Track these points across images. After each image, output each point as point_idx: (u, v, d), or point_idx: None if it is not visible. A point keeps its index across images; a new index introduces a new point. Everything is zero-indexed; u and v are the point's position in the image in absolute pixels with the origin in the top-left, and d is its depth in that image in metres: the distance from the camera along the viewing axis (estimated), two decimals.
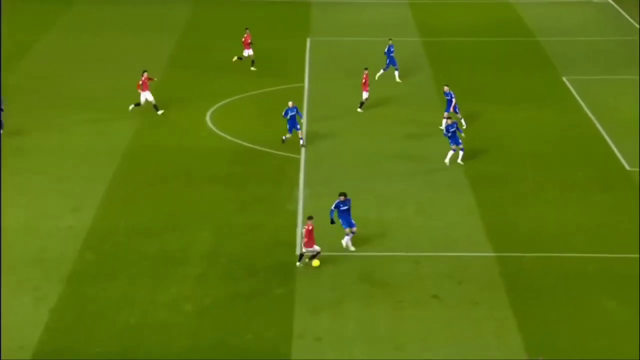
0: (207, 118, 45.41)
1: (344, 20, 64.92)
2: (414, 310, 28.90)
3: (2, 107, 41.87)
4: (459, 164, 39.14)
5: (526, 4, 68.72)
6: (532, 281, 30.62)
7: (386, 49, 49.63)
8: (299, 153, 40.99)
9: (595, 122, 44.80)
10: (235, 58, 52.03)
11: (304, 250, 31.16)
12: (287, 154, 40.92)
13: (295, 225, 34.29)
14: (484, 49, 57.18)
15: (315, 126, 44.45)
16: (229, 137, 42.87)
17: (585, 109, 46.43)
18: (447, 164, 38.97)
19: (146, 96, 44.90)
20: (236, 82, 49.39)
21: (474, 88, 49.27)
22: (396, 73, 49.49)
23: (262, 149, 41.57)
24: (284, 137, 40.35)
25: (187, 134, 43.45)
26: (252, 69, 51.81)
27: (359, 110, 45.73)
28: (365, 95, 45.65)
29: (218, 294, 29.77)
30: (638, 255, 32.14)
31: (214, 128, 44.21)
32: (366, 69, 46.53)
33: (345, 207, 32.24)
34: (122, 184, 37.96)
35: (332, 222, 32.10)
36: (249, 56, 51.95)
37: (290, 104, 40.11)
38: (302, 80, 51.33)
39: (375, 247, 32.75)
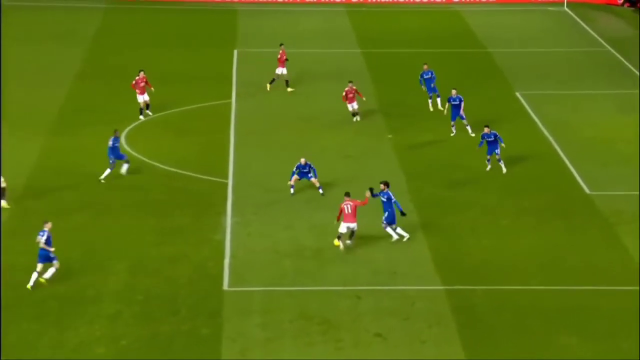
0: (123, 139, 45.19)
1: (275, 29, 65.22)
2: (355, 351, 29.01)
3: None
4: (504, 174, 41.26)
5: (475, 11, 69.77)
6: (484, 317, 30.93)
7: (420, 76, 48.82)
8: (226, 177, 41.03)
9: (552, 141, 45.56)
10: (268, 86, 51.39)
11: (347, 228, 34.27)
12: (213, 178, 40.92)
13: (222, 257, 34.26)
14: (430, 62, 57.79)
15: (244, 148, 44.51)
16: (147, 160, 42.69)
17: (541, 127, 47.21)
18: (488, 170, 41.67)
19: (144, 98, 46.92)
20: (155, 99, 49.25)
21: (419, 105, 49.80)
22: (438, 100, 48.42)
23: (185, 172, 41.49)
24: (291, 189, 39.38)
25: (99, 157, 43.11)
26: (289, 89, 51.46)
27: (356, 119, 47.11)
28: (351, 107, 46.78)
29: (135, 336, 29.55)
30: (601, 287, 32.68)
31: (130, 150, 44.01)
32: (350, 81, 47.20)
33: (385, 198, 35.09)
34: (25, 213, 37.52)
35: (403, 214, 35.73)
36: (282, 75, 51.45)
37: (302, 161, 39.22)
38: (229, 97, 51.41)
39: (312, 281, 32.84)
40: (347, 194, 34.92)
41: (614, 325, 30.30)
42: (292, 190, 39.08)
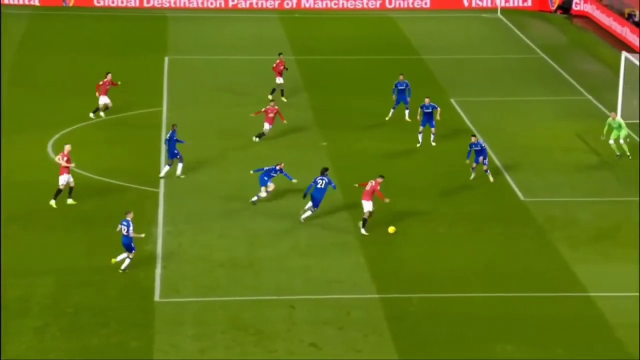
0: (49, 148, 44.82)
1: (207, 36, 65.18)
2: None
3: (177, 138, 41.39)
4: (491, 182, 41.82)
5: (409, 18, 70.34)
6: (420, 325, 31.17)
7: (394, 86, 48.25)
8: (157, 186, 40.87)
9: (487, 148, 45.97)
10: (270, 97, 50.27)
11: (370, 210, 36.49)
12: (144, 188, 40.73)
13: (154, 268, 34.10)
14: (363, 69, 58.28)
15: None
16: (75, 170, 42.34)
17: (476, 133, 47.61)
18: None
19: (104, 100, 47.70)
20: (83, 107, 48.90)
21: (353, 114, 50.08)
22: (406, 112, 48.26)
23: (115, 182, 41.25)
24: (255, 198, 38.84)
25: (25, 167, 42.77)
26: (283, 99, 50.77)
27: (255, 139, 45.74)
28: (266, 127, 45.59)
29: (63, 349, 29.30)
30: (536, 294, 33.12)
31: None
32: (272, 100, 46.82)
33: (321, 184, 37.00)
34: None
35: (305, 196, 37.19)
36: (280, 84, 50.86)
37: (280, 166, 38.85)
38: (160, 105, 51.23)
39: (245, 290, 32.83)
40: (382, 177, 37.09)
41: (549, 332, 30.73)
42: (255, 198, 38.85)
